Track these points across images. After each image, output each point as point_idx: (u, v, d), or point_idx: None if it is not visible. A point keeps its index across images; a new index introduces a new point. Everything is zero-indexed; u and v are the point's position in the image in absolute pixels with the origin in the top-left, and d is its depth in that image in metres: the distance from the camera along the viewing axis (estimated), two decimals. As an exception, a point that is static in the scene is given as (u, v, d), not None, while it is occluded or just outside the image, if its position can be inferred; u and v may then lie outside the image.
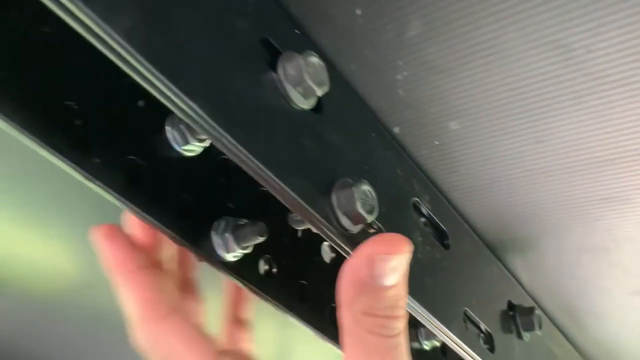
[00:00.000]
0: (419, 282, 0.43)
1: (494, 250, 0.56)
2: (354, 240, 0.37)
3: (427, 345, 0.64)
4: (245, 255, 0.43)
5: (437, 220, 0.47)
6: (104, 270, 0.40)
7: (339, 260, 0.51)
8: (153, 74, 0.26)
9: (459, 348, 0.46)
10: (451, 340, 0.45)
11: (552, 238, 0.53)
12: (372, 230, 0.40)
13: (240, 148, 0.30)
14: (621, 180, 0.44)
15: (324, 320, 0.51)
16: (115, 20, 0.24)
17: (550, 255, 0.56)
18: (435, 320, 0.44)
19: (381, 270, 0.32)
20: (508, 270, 0.59)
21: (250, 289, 0.45)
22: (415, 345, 0.64)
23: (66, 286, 0.87)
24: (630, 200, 0.46)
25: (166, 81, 0.26)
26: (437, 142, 0.45)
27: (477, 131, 0.42)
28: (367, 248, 0.33)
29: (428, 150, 0.46)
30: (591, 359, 0.80)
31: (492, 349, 0.51)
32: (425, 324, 0.45)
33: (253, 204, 0.45)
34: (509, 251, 0.57)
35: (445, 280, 0.46)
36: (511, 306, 0.58)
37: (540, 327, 0.58)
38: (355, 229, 0.36)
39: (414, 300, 0.42)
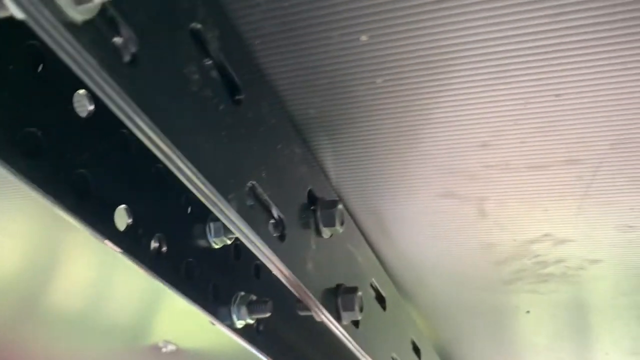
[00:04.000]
0: (192, 135, 0.33)
1: (298, 127, 0.48)
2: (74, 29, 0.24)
3: (216, 244, 0.55)
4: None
5: (227, 64, 0.37)
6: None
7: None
8: None
9: (237, 228, 0.37)
10: (228, 216, 0.36)
11: (362, 118, 0.46)
12: (117, 39, 0.28)
13: None
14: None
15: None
16: None
17: (359, 142, 0.49)
18: (209, 186, 0.34)
19: None
20: (313, 156, 0.52)
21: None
22: (203, 243, 0.55)
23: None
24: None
25: None
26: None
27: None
28: None
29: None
30: (389, 267, 0.78)
31: (282, 237, 0.43)
32: (197, 193, 0.35)
33: None
34: (315, 132, 0.48)
35: (228, 141, 0.36)
36: (312, 198, 0.51)
37: (341, 223, 0.51)
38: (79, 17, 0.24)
39: (183, 157, 0.31)
